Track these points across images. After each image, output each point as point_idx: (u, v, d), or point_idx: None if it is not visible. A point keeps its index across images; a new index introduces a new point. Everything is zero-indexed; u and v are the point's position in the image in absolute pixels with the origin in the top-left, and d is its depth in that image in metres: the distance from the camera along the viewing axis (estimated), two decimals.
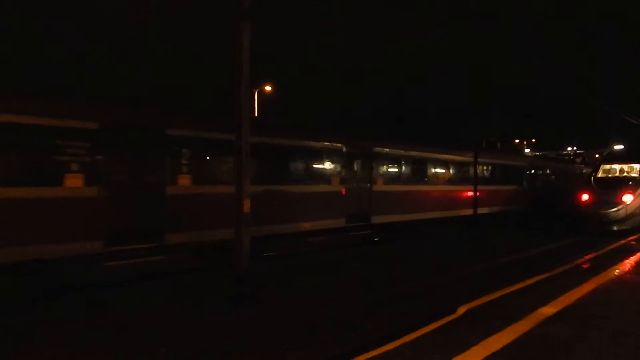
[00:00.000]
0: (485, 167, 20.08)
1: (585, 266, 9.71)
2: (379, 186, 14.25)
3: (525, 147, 51.42)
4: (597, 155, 41.13)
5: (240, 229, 7.48)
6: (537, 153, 46.10)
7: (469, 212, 18.43)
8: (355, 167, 13.63)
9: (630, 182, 17.78)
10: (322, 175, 12.76)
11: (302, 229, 12.06)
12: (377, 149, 14.32)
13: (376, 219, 14.02)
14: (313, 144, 12.53)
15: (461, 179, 18.26)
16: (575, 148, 48.59)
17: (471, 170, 18.70)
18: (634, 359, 4.52)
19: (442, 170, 17.38)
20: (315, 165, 12.70)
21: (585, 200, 17.72)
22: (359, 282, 9.27)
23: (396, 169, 15.25)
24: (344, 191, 13.12)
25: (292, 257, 11.92)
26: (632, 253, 11.12)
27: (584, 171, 29.74)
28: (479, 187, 18.79)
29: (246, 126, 7.54)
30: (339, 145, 13.16)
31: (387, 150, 14.75)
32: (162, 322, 6.84)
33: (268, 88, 20.68)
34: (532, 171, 23.57)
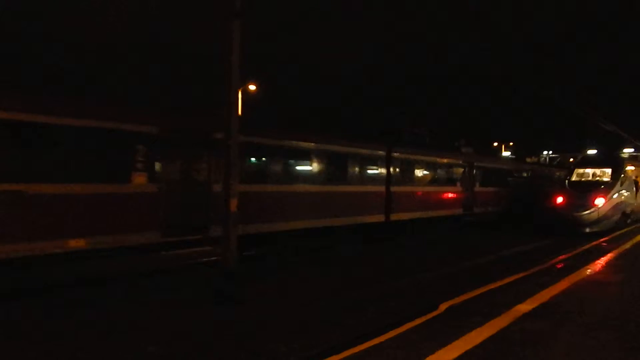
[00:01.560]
0: (405, 165, 16.62)
1: (559, 266, 10.07)
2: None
3: (504, 149, 52.37)
4: (571, 159, 42.18)
5: (228, 227, 7.58)
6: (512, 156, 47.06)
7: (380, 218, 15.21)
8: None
9: (602, 186, 18.39)
10: None
11: None
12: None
13: None
14: None
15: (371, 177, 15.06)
16: (551, 152, 49.72)
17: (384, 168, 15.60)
18: (605, 351, 4.79)
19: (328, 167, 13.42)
20: None
21: (560, 203, 18.26)
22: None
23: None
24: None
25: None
26: (604, 254, 11.56)
27: (556, 174, 29.85)
28: (394, 188, 15.67)
29: (235, 125, 7.64)
30: None
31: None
32: (152, 318, 6.92)
33: (252, 87, 20.72)
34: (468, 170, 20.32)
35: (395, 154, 15.83)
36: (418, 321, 5.81)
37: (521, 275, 8.74)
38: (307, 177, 12.81)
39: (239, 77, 7.86)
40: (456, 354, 4.62)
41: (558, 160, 46.15)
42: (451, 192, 19.29)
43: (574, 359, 4.60)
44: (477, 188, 20.82)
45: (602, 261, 10.46)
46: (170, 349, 5.79)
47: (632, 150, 36.31)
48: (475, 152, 22.93)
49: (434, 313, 6.19)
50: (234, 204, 7.67)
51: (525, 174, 27.56)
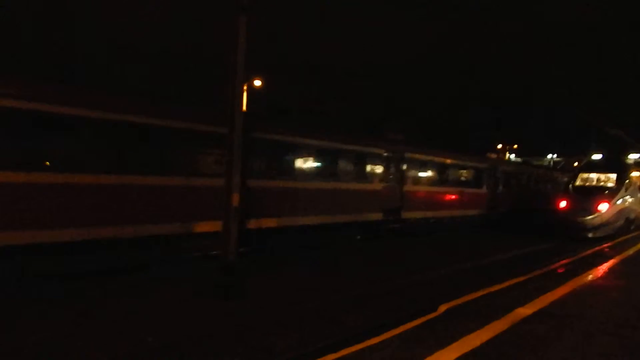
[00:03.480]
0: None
1: (560, 270, 10.04)
2: None
3: (508, 152, 52.21)
4: (575, 164, 42.05)
5: (229, 222, 7.57)
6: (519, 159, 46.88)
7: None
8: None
9: (606, 191, 18.31)
10: None
11: None
12: None
13: None
14: None
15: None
16: (556, 155, 49.53)
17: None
18: (605, 357, 4.76)
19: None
20: None
21: (563, 207, 18.19)
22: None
23: None
24: None
25: None
26: (606, 259, 11.50)
27: (560, 178, 29.38)
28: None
29: (239, 120, 7.63)
30: None
31: None
32: (151, 310, 6.93)
33: (257, 83, 20.67)
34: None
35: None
36: (417, 322, 5.79)
37: (522, 278, 8.70)
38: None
39: (245, 72, 7.84)
40: (454, 355, 4.61)
41: (562, 164, 45.96)
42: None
43: None
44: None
45: (604, 267, 10.41)
46: (169, 340, 5.80)
47: (637, 155, 36.13)
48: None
49: (433, 314, 6.18)
50: (235, 198, 7.66)
51: (526, 177, 27.37)
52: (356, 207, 14.16)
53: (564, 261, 11.29)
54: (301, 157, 12.70)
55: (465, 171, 20.12)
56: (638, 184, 20.26)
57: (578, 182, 19.75)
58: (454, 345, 4.91)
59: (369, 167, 14.79)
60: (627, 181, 18.95)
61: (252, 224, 11.18)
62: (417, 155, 16.93)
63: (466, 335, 5.22)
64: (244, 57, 7.71)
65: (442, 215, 18.47)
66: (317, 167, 13.18)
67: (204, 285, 7.81)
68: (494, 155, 24.80)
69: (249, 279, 8.11)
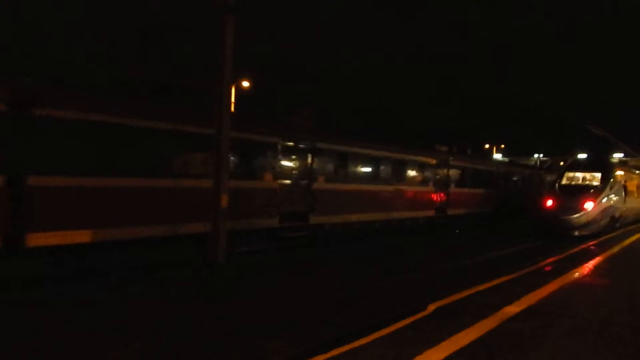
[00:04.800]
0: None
1: (548, 268, 10.13)
2: None
3: (495, 151, 52.70)
4: (562, 163, 42.53)
5: (218, 223, 7.52)
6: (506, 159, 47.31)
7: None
8: None
9: (592, 190, 18.54)
10: None
11: None
12: None
13: None
14: None
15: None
16: (542, 155, 50.07)
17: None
18: (591, 353, 4.81)
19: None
20: None
21: (550, 206, 18.38)
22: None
23: None
24: None
25: None
26: (592, 257, 11.65)
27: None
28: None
29: (227, 121, 7.58)
30: None
31: None
32: (137, 313, 6.85)
33: (245, 84, 20.61)
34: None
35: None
36: (406, 321, 5.80)
37: (509, 277, 8.77)
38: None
39: (232, 73, 7.80)
40: (444, 354, 4.62)
41: (549, 163, 46.47)
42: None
43: None
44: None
45: (590, 265, 10.54)
46: (155, 344, 5.73)
47: (621, 155, 36.70)
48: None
49: (423, 313, 6.20)
50: (224, 199, 7.61)
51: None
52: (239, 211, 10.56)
53: (551, 259, 11.40)
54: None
55: (405, 166, 17.35)
56: (622, 182, 20.57)
57: (564, 181, 19.97)
58: (443, 344, 4.93)
59: (260, 161, 12.05)
60: (612, 180, 19.21)
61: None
62: (333, 147, 14.12)
63: (455, 333, 5.25)
64: (231, 57, 7.68)
65: (371, 219, 15.47)
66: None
67: (191, 287, 7.75)
68: (444, 148, 21.36)
69: (239, 279, 8.07)
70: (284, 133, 12.89)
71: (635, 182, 23.32)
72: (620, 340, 5.23)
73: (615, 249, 13.25)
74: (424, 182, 18.37)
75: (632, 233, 18.49)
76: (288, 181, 12.83)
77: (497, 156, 49.72)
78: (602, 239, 16.33)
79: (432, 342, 4.96)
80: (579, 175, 19.94)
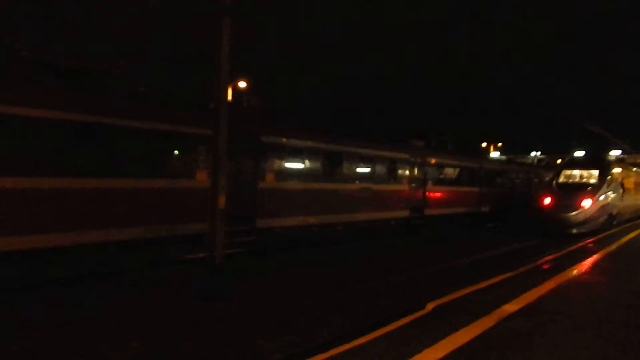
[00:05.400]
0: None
1: (545, 266, 10.15)
2: None
3: (492, 149, 52.81)
4: (559, 161, 42.59)
5: (215, 224, 7.53)
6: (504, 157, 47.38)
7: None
8: None
9: (589, 188, 18.58)
10: None
11: None
12: None
13: None
14: None
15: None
16: (539, 153, 50.18)
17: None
18: (590, 351, 4.82)
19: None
20: None
21: (547, 204, 18.42)
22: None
23: None
24: None
25: None
26: (590, 254, 11.67)
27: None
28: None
29: (224, 122, 7.59)
30: None
31: None
32: (136, 314, 6.85)
33: (242, 84, 20.61)
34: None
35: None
36: (405, 320, 5.81)
37: (507, 275, 8.78)
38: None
39: (228, 74, 7.81)
40: (442, 353, 4.63)
41: (546, 161, 46.58)
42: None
43: (559, 358, 4.63)
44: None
45: (588, 262, 10.56)
46: (154, 344, 5.74)
47: (619, 152, 36.79)
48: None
49: (421, 312, 6.20)
50: (221, 200, 7.62)
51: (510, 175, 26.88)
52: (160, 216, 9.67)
53: (549, 257, 11.43)
54: None
55: (373, 163, 15.86)
56: (620, 180, 20.62)
57: (561, 179, 20.01)
58: (442, 342, 4.93)
59: (185, 157, 10.41)
60: (609, 177, 19.26)
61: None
62: (283, 140, 12.65)
63: (454, 332, 5.25)
64: (228, 58, 7.68)
65: (333, 221, 14.13)
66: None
67: (190, 288, 7.76)
68: (420, 143, 19.71)
69: (237, 279, 8.08)
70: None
71: (632, 179, 23.38)
72: (619, 338, 5.25)
73: (613, 247, 13.28)
74: (396, 180, 16.97)
75: (629, 230, 18.52)
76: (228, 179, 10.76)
77: (495, 154, 49.84)
78: (599, 236, 16.35)
79: (432, 340, 4.96)
80: (577, 172, 19.98)
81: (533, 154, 50.62)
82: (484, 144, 51.79)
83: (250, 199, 11.48)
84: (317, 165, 13.77)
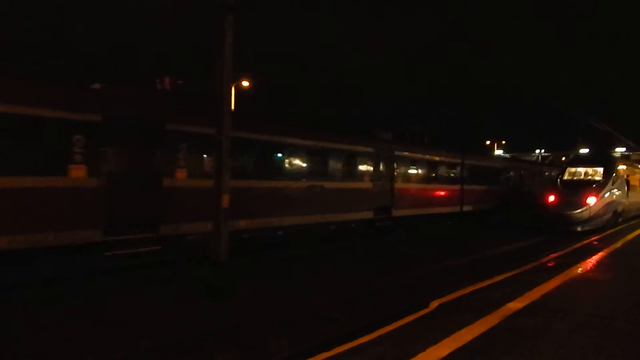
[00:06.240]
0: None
1: (550, 264, 10.12)
2: None
3: (497, 147, 52.68)
4: (563, 158, 42.36)
5: (219, 223, 7.54)
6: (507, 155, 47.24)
7: None
8: None
9: (594, 185, 18.51)
10: None
11: None
12: None
13: None
14: None
15: None
16: (543, 150, 50.02)
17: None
18: (594, 349, 4.80)
19: None
20: None
21: (552, 202, 18.36)
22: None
23: None
24: None
25: None
26: (595, 252, 11.62)
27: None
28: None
29: (228, 121, 7.59)
30: None
31: None
32: (142, 312, 6.88)
33: (245, 83, 20.63)
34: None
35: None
36: (409, 318, 5.81)
37: (512, 273, 8.76)
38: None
39: (232, 72, 7.81)
40: (446, 351, 4.62)
41: (550, 158, 46.40)
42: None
43: (563, 356, 4.61)
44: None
45: (592, 260, 10.51)
46: (160, 342, 5.76)
47: (624, 149, 36.60)
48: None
49: (425, 310, 6.20)
50: (225, 199, 7.63)
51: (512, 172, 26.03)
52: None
53: (554, 255, 11.38)
54: None
55: (326, 157, 13.97)
56: (625, 177, 20.52)
57: (566, 177, 19.93)
58: (446, 340, 4.92)
59: (53, 147, 8.32)
60: (614, 174, 19.18)
61: None
62: (196, 129, 10.30)
63: (458, 330, 5.24)
64: (231, 57, 7.68)
65: (270, 224, 12.29)
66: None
67: (194, 286, 7.78)
68: (387, 135, 17.59)
69: (241, 277, 8.09)
70: (97, 103, 8.94)
71: (637, 176, 23.27)
72: (624, 336, 5.22)
73: (619, 244, 13.22)
74: (356, 176, 14.99)
75: (635, 228, 18.44)
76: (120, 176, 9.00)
77: (499, 152, 49.69)
78: (605, 234, 16.29)
79: (436, 338, 4.96)
80: (581, 170, 19.90)
81: (537, 151, 50.44)
82: (488, 142, 51.67)
83: (153, 200, 9.40)
84: (247, 159, 11.66)
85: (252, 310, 7.11)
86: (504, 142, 54.18)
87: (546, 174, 30.57)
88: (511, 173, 26.37)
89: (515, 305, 6.36)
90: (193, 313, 6.89)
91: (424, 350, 4.65)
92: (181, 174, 10.08)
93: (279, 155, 12.74)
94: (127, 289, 8.21)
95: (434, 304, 6.42)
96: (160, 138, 9.68)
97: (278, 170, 12.64)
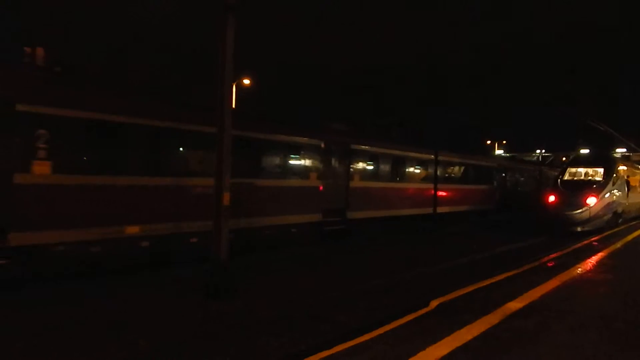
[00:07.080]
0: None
1: (550, 264, 10.12)
2: None
3: (497, 147, 52.70)
4: (564, 159, 42.31)
5: (220, 222, 7.55)
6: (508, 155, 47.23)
7: None
8: None
9: (594, 186, 18.49)
10: None
11: None
12: None
13: None
14: None
15: None
16: (544, 151, 49.99)
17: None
18: (594, 350, 4.81)
19: None
20: None
21: (552, 202, 18.35)
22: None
23: None
24: None
25: None
26: (594, 253, 11.62)
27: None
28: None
29: (229, 119, 7.60)
30: None
31: None
32: (141, 311, 6.89)
33: (246, 82, 20.65)
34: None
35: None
36: (409, 317, 5.81)
37: (512, 273, 8.77)
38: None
39: (233, 71, 7.82)
40: (446, 350, 4.63)
41: (551, 159, 46.37)
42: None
43: (562, 357, 4.62)
44: None
45: (592, 260, 10.52)
46: (160, 342, 5.77)
47: (624, 150, 36.59)
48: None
49: (425, 310, 6.20)
50: (226, 197, 7.64)
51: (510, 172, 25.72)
52: None
53: (554, 255, 11.39)
54: None
55: (255, 151, 11.74)
56: (625, 178, 20.51)
57: (566, 177, 19.93)
58: (446, 340, 4.93)
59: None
60: (615, 175, 19.16)
61: None
62: (59, 112, 8.02)
63: (457, 330, 5.25)
64: (232, 56, 7.69)
65: (181, 231, 9.75)
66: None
67: (194, 285, 7.78)
68: (341, 127, 15.76)
69: (242, 277, 8.10)
70: None
71: (637, 177, 23.26)
72: (623, 337, 5.23)
73: (618, 245, 13.22)
74: (298, 173, 13.02)
75: (635, 228, 18.44)
76: None
77: (499, 152, 49.69)
78: (604, 234, 16.28)
79: (436, 337, 4.96)
80: (582, 170, 19.89)
81: (538, 151, 50.41)
82: (488, 142, 51.66)
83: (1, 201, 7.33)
84: (145, 151, 9.39)
85: (253, 308, 7.10)
86: (504, 142, 54.22)
87: (546, 174, 30.43)
88: (502, 173, 25.37)
89: (514, 305, 6.37)
90: (192, 312, 6.90)
91: (423, 349, 4.66)
92: (40, 168, 7.73)
93: (191, 146, 10.29)
94: (124, 289, 8.21)
95: (434, 303, 6.43)
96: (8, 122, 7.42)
97: (191, 166, 10.27)
